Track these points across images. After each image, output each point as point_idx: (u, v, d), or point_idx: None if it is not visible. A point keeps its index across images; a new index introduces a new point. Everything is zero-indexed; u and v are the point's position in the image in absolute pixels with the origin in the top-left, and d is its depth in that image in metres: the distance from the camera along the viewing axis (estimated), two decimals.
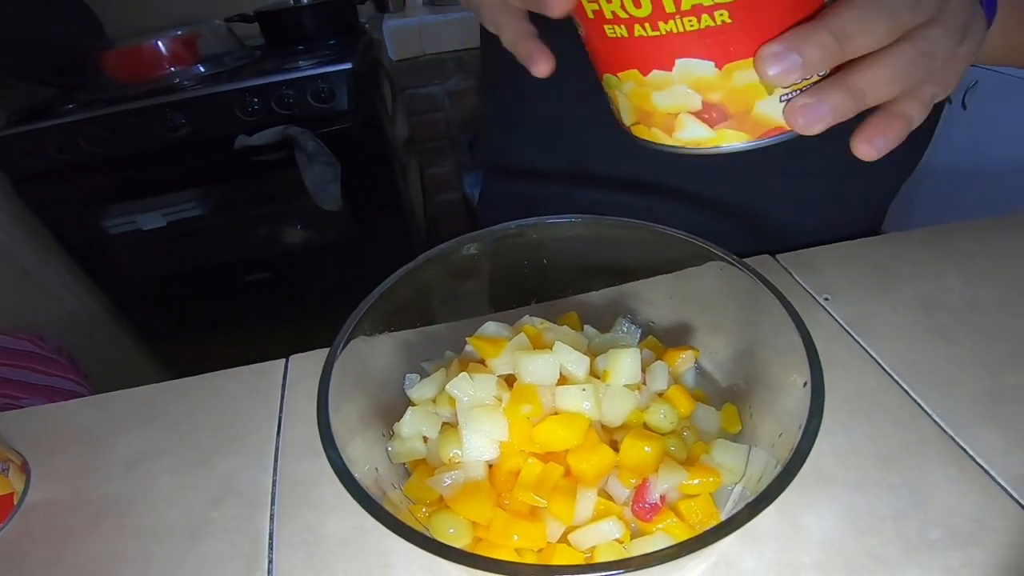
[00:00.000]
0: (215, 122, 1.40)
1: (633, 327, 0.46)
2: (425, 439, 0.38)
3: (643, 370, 0.39)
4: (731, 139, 0.28)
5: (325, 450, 0.29)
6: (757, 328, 0.38)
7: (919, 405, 0.43)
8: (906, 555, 0.34)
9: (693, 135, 0.29)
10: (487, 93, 0.69)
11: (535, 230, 0.44)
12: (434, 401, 0.39)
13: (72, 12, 1.55)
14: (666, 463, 0.34)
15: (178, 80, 1.41)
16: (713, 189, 0.60)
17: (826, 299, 0.52)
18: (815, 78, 0.26)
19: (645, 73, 0.27)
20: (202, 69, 1.45)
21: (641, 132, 0.31)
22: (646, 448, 0.34)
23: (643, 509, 0.33)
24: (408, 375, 0.42)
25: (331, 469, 0.29)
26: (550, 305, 0.49)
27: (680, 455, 0.36)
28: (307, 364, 0.53)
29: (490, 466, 0.35)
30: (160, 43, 1.40)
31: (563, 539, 0.32)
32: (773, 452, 0.32)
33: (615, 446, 0.35)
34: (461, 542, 0.32)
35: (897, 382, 0.45)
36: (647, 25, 0.25)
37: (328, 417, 0.31)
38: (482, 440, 0.34)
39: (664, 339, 0.46)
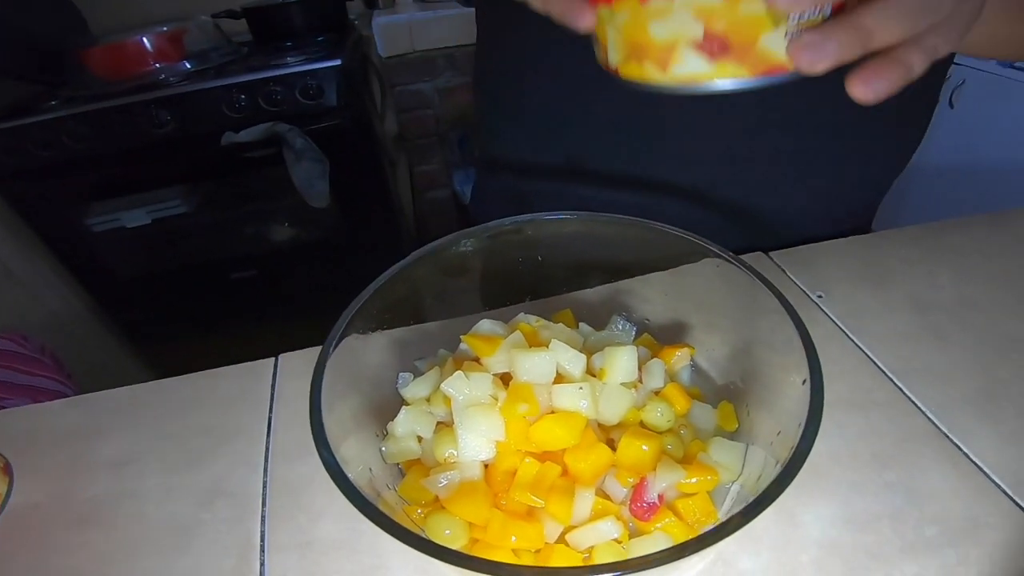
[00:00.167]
0: (201, 119, 1.38)
1: (628, 325, 0.46)
2: (419, 439, 0.37)
3: (639, 368, 0.38)
4: (730, 74, 0.27)
5: (318, 450, 0.29)
6: (753, 325, 0.38)
7: (913, 403, 0.43)
8: (903, 553, 0.34)
9: (690, 69, 0.27)
10: (482, 88, 0.69)
11: (531, 227, 0.43)
12: (428, 400, 0.38)
13: (55, 8, 1.52)
14: (664, 462, 0.33)
15: (164, 76, 1.39)
16: (709, 185, 0.59)
17: (819, 296, 0.52)
18: (820, 18, 0.25)
19: (644, 1, 0.26)
20: (188, 65, 1.43)
21: (631, 71, 0.29)
22: (643, 447, 0.34)
23: (641, 508, 0.32)
24: (401, 374, 0.42)
25: (323, 470, 0.28)
26: (545, 302, 0.48)
27: (677, 453, 0.36)
28: (297, 363, 0.52)
29: (486, 466, 0.34)
30: (145, 39, 1.38)
31: (561, 539, 0.32)
32: (771, 450, 0.32)
33: (612, 445, 0.35)
34: (458, 543, 0.31)
35: (891, 379, 0.45)
36: None
37: (321, 417, 0.30)
38: (478, 440, 0.34)
39: (659, 336, 0.45)
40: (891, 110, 0.56)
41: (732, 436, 0.38)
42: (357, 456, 0.32)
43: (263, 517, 0.39)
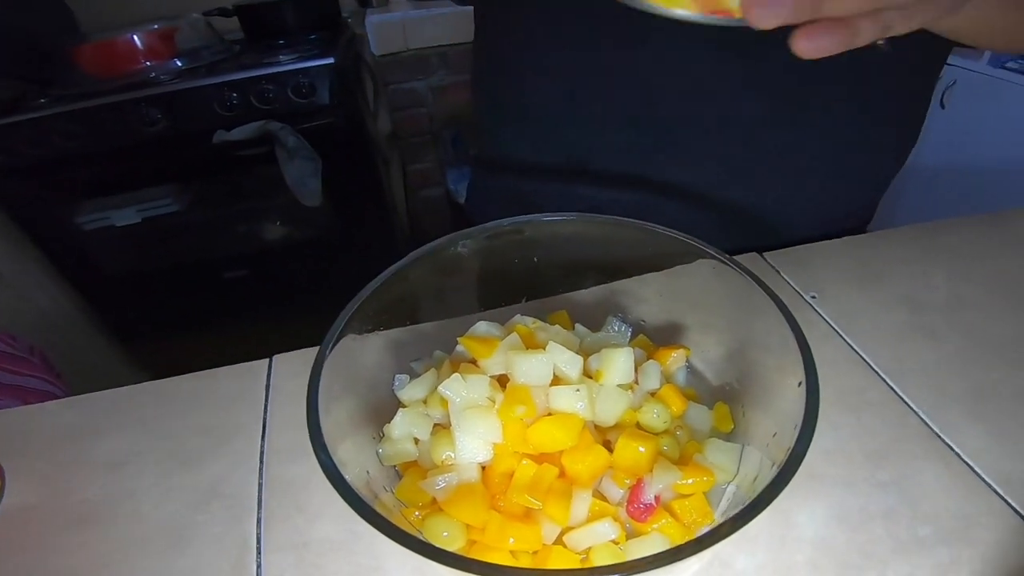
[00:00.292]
0: (193, 117, 1.37)
1: (624, 326, 0.46)
2: (416, 441, 0.37)
3: (635, 369, 0.38)
4: (680, 4, 0.27)
5: (315, 452, 0.29)
6: (749, 327, 0.38)
7: (906, 403, 0.43)
8: (896, 553, 0.34)
9: None
10: (481, 87, 0.69)
11: (528, 227, 0.43)
12: (425, 402, 0.38)
13: (44, 5, 1.51)
14: (660, 463, 0.34)
15: (154, 75, 1.38)
16: (710, 186, 0.60)
17: (813, 297, 0.53)
18: None
19: None
20: (179, 63, 1.42)
21: None
22: (640, 448, 0.34)
23: (638, 510, 0.32)
24: (397, 375, 0.42)
25: (320, 471, 0.28)
26: (540, 303, 0.49)
27: (673, 454, 0.36)
28: (292, 364, 0.52)
29: (483, 468, 0.34)
30: (136, 37, 1.37)
31: (558, 541, 0.32)
32: (767, 452, 0.32)
33: (608, 446, 0.35)
34: (455, 545, 0.31)
35: (884, 380, 0.45)
36: None
37: (318, 419, 0.30)
38: (475, 442, 0.34)
39: (655, 338, 0.46)
40: (888, 109, 0.57)
41: (728, 437, 0.38)
42: (354, 458, 0.32)
43: (259, 518, 0.39)
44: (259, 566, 0.36)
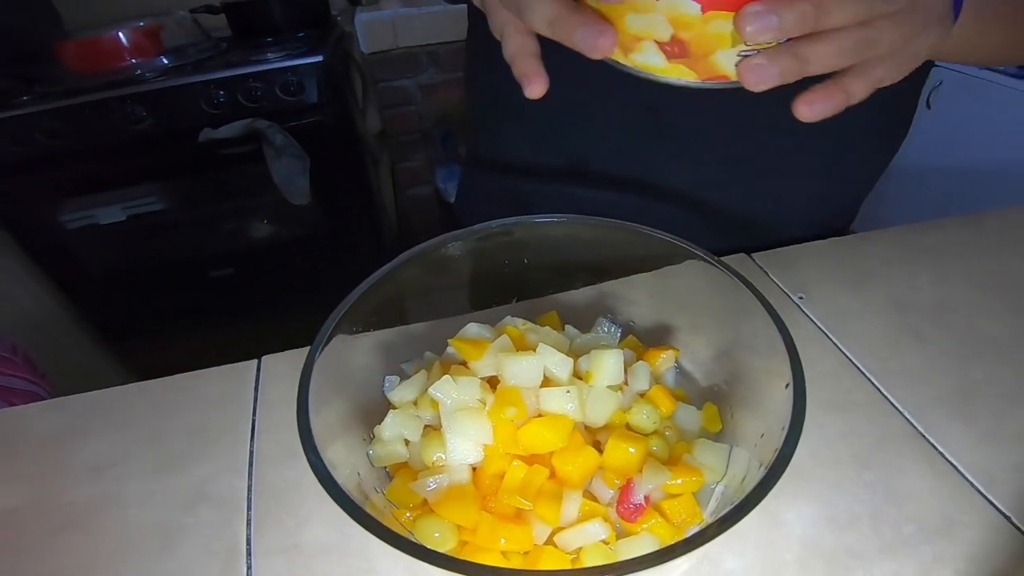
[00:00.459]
0: (178, 115, 1.36)
1: (613, 327, 0.46)
2: (407, 442, 0.37)
3: (624, 370, 0.39)
4: (680, 74, 0.30)
5: (306, 454, 0.29)
6: (737, 328, 0.39)
7: (891, 403, 0.44)
8: (882, 552, 0.35)
9: (647, 61, 0.30)
10: (476, 86, 0.68)
11: (519, 229, 0.43)
12: (415, 403, 0.38)
13: (28, 2, 1.49)
14: (650, 463, 0.34)
15: (140, 72, 1.37)
16: (707, 187, 0.60)
17: (800, 298, 0.53)
18: (775, 44, 0.28)
19: None
20: (165, 61, 1.41)
21: None
22: (630, 449, 0.34)
23: (628, 510, 0.33)
24: (387, 377, 0.42)
25: (310, 473, 0.28)
26: (530, 304, 0.49)
27: (662, 455, 0.36)
28: (280, 365, 0.51)
29: (474, 469, 0.34)
30: (121, 34, 1.36)
31: (549, 541, 0.32)
32: (755, 452, 0.32)
33: (598, 447, 0.35)
34: (447, 546, 0.31)
35: (870, 380, 0.45)
36: None
37: (308, 420, 0.30)
38: (466, 443, 0.34)
39: (644, 339, 0.46)
40: (877, 110, 0.57)
41: (716, 438, 0.38)
42: (344, 460, 0.32)
43: (249, 521, 0.39)
44: (249, 568, 0.36)
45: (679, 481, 0.33)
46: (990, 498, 0.37)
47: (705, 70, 0.29)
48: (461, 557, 0.28)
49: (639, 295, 0.47)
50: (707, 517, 0.33)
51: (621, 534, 0.33)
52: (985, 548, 0.35)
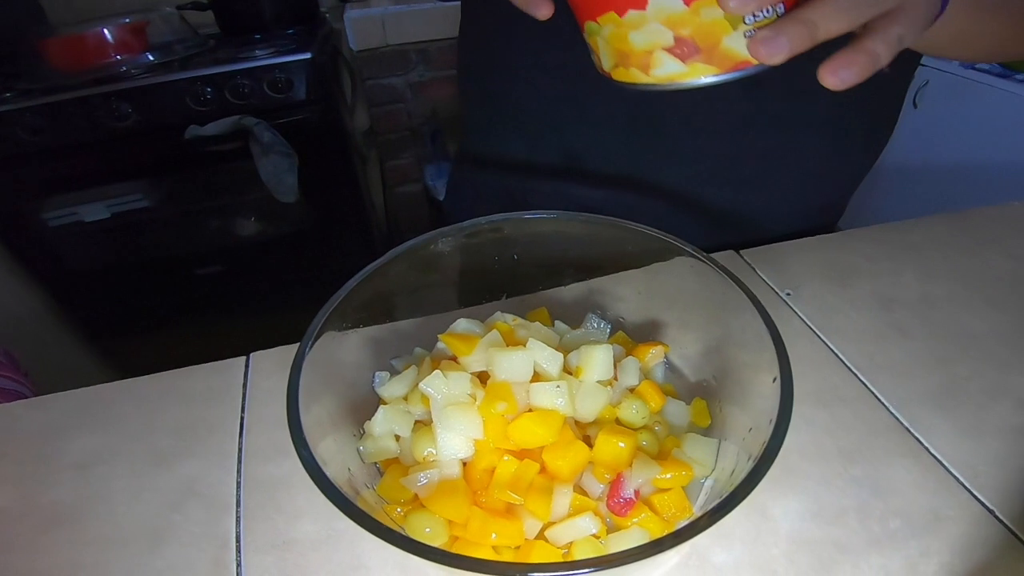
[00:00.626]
0: (164, 112, 1.35)
1: (603, 323, 0.46)
2: (397, 438, 0.37)
3: (614, 366, 0.39)
4: (702, 72, 0.30)
5: (297, 450, 0.29)
6: (725, 324, 0.39)
7: (877, 398, 0.44)
8: (869, 545, 0.35)
9: (667, 71, 0.31)
10: (469, 83, 0.68)
11: (509, 225, 0.43)
12: (406, 399, 0.38)
13: None
14: (639, 458, 0.34)
15: (125, 68, 1.35)
16: (699, 185, 0.61)
17: (788, 295, 0.54)
18: (774, 17, 0.29)
19: (622, 14, 0.30)
20: (151, 57, 1.39)
21: (621, 75, 0.33)
22: (620, 444, 0.34)
23: (618, 504, 0.33)
24: (377, 373, 0.41)
25: (299, 470, 0.28)
26: (520, 301, 0.49)
27: (652, 450, 0.36)
28: (269, 361, 0.51)
29: (465, 464, 0.34)
30: (106, 31, 1.34)
31: (540, 536, 0.32)
32: (744, 446, 0.33)
33: (588, 441, 0.35)
34: (438, 541, 0.31)
35: (856, 376, 0.46)
36: None
37: (299, 416, 0.30)
38: (457, 438, 0.34)
39: (633, 334, 0.46)
40: (865, 107, 0.58)
41: (705, 432, 0.38)
42: (335, 456, 0.32)
43: (238, 518, 0.39)
44: (239, 565, 0.36)
45: (669, 475, 0.33)
46: (974, 492, 0.38)
47: (722, 61, 0.30)
48: (454, 552, 0.28)
49: (628, 291, 0.47)
50: (697, 511, 0.34)
51: (611, 528, 0.33)
52: (970, 541, 0.35)
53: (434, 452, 0.34)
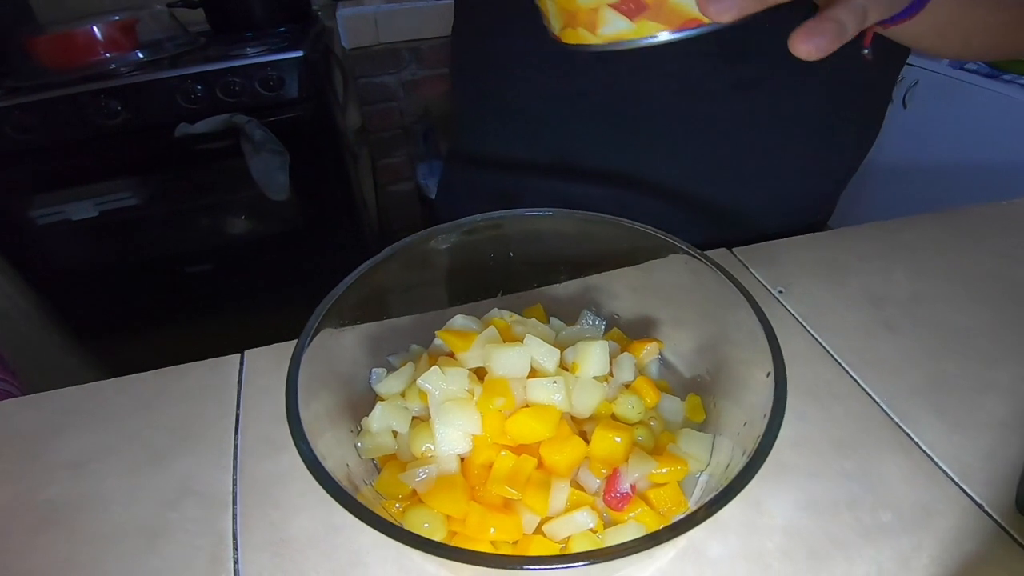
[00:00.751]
0: (154, 110, 1.34)
1: (598, 320, 0.46)
2: (395, 434, 0.37)
3: (610, 362, 0.39)
4: (651, 30, 0.29)
5: (296, 444, 0.29)
6: (719, 320, 0.39)
7: (868, 394, 0.45)
8: (862, 539, 0.36)
9: (615, 28, 0.30)
10: (462, 82, 0.68)
11: (507, 222, 0.44)
12: (403, 395, 0.38)
13: None
14: (635, 453, 0.34)
15: (114, 66, 1.34)
16: (690, 182, 0.61)
17: (780, 292, 0.54)
18: None
19: None
20: (141, 55, 1.38)
21: (569, 37, 0.32)
22: (616, 439, 0.34)
23: (615, 499, 0.33)
24: (374, 369, 0.42)
25: (296, 467, 0.28)
26: (515, 298, 0.49)
27: (647, 445, 0.37)
28: (263, 359, 0.51)
29: (462, 460, 0.35)
30: (95, 28, 1.33)
31: (538, 531, 0.32)
32: (738, 441, 0.33)
33: (584, 437, 0.36)
34: (436, 536, 0.31)
35: (848, 372, 0.46)
36: None
37: (298, 411, 0.30)
38: (455, 434, 0.34)
39: (628, 331, 0.46)
40: (854, 105, 0.59)
41: (700, 427, 0.39)
42: (333, 452, 0.32)
43: (235, 516, 0.39)
44: (236, 563, 0.36)
45: (664, 470, 0.34)
46: (963, 486, 0.38)
47: (671, 17, 0.29)
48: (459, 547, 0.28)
49: (623, 288, 0.48)
50: (692, 506, 0.34)
51: (608, 523, 0.33)
52: (959, 534, 0.36)
53: (432, 448, 0.34)
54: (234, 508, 0.39)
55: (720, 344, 0.40)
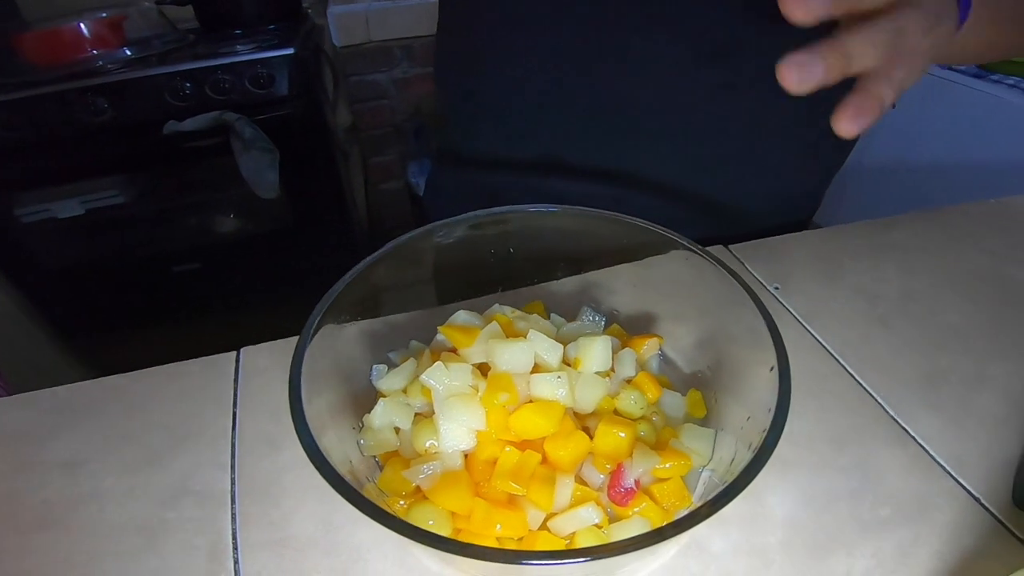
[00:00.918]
0: (142, 107, 1.32)
1: (598, 316, 0.46)
2: (397, 430, 0.37)
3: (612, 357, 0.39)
4: None
5: (301, 440, 0.28)
6: (720, 316, 0.39)
7: (865, 389, 0.45)
8: (861, 533, 0.36)
9: None
10: (447, 80, 0.68)
11: (509, 219, 0.43)
12: (405, 391, 0.38)
13: None
14: (639, 448, 0.34)
15: (101, 63, 1.33)
16: (679, 179, 0.61)
17: (776, 288, 0.54)
18: None
19: None
20: (128, 52, 1.37)
21: None
22: (620, 434, 0.34)
23: (619, 494, 0.33)
24: (375, 366, 0.41)
25: (295, 465, 0.28)
26: (515, 294, 0.49)
27: (650, 440, 0.37)
28: (260, 357, 0.50)
29: (467, 456, 0.35)
30: (82, 25, 1.32)
31: (543, 526, 0.32)
32: (741, 436, 0.33)
33: (587, 433, 0.36)
34: (441, 533, 0.31)
35: (844, 367, 0.47)
36: None
37: (302, 407, 0.30)
38: (459, 429, 0.34)
39: (628, 327, 0.46)
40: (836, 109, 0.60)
41: (701, 423, 0.39)
42: (336, 449, 0.32)
43: (234, 515, 0.38)
44: (236, 563, 0.35)
45: (668, 465, 0.34)
46: (960, 480, 0.39)
47: None
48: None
49: (622, 284, 0.48)
50: (696, 501, 0.34)
51: (613, 518, 0.33)
52: (956, 527, 0.36)
53: (436, 444, 0.34)
54: (233, 507, 0.39)
55: (721, 340, 0.40)
